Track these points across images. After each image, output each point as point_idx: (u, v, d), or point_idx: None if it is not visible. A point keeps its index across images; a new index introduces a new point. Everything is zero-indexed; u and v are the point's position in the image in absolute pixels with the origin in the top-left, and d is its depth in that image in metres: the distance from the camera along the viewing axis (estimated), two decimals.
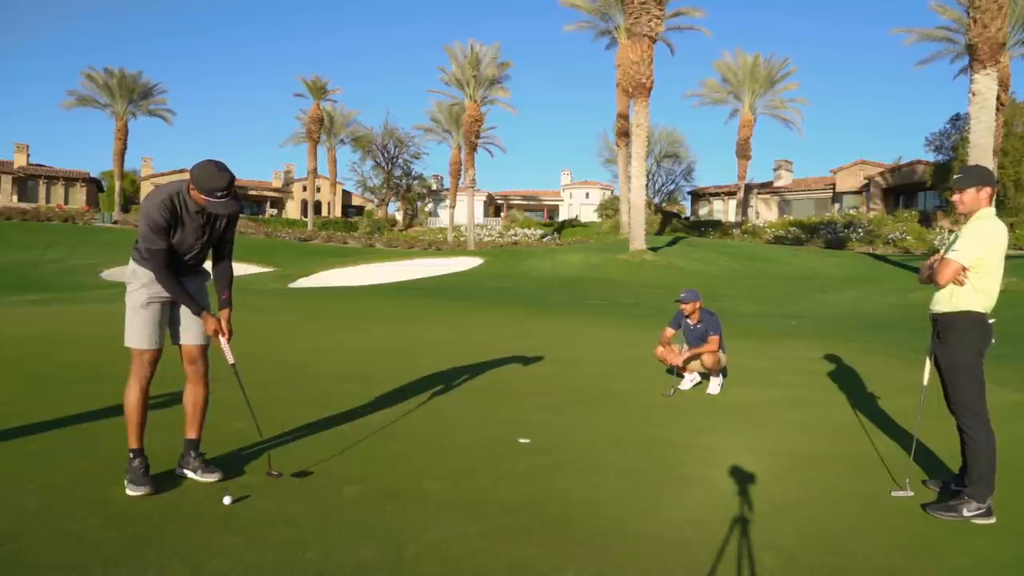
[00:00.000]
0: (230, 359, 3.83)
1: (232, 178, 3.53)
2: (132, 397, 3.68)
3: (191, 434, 3.88)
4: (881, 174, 48.78)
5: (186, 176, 3.58)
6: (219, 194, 3.47)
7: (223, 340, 3.77)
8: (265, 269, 31.27)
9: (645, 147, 30.16)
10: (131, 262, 3.75)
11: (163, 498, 3.54)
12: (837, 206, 50.79)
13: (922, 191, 46.35)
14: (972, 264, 3.68)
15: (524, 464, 4.36)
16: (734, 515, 3.60)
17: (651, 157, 56.19)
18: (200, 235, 3.70)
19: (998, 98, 23.28)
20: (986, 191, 3.77)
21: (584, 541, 3.22)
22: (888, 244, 38.58)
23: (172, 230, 3.60)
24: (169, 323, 3.82)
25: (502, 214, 71.33)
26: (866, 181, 49.68)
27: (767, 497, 3.89)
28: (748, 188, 51.37)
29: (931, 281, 3.85)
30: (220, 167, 3.51)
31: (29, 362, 7.31)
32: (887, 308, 17.58)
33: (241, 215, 4.00)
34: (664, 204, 63.91)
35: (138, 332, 3.69)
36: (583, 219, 62.97)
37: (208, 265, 3.96)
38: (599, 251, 31.70)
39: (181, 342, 3.85)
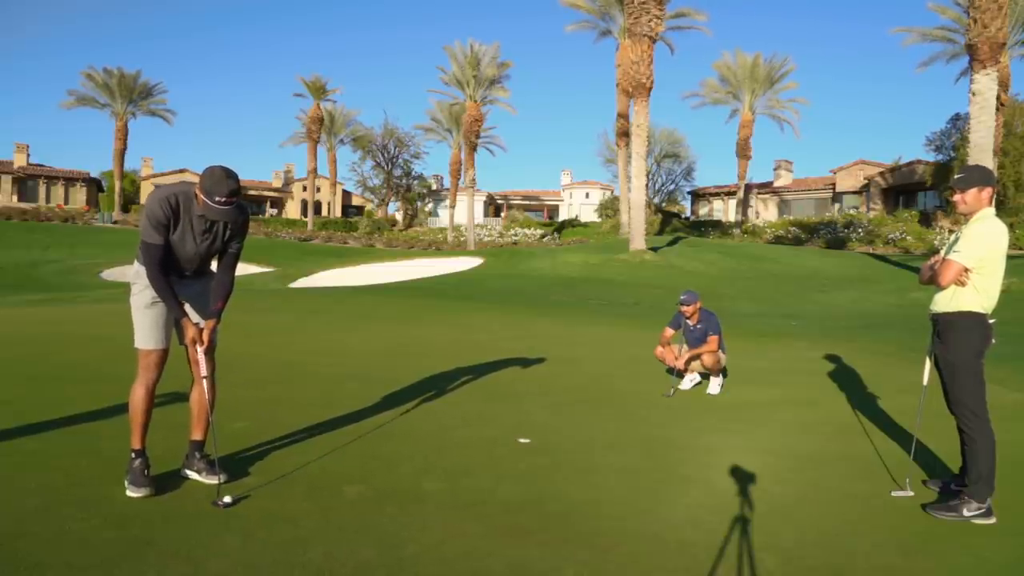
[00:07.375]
0: (203, 371, 3.74)
1: (236, 189, 3.49)
2: (137, 397, 3.68)
3: (196, 435, 3.88)
4: (881, 174, 48.74)
5: (188, 177, 3.57)
6: (218, 199, 3.43)
7: (200, 350, 3.70)
8: (265, 269, 31.23)
9: (645, 147, 30.16)
10: (135, 262, 3.73)
11: (163, 498, 3.53)
12: (837, 206, 50.74)
13: (922, 191, 46.28)
14: (974, 265, 3.69)
15: (524, 464, 4.37)
16: (734, 515, 3.60)
17: (651, 157, 56.16)
18: (202, 240, 3.68)
19: (998, 98, 23.28)
20: (988, 191, 3.78)
21: (584, 541, 3.22)
22: (888, 244, 38.54)
23: (172, 228, 3.58)
24: (175, 323, 3.81)
25: (502, 214, 71.29)
26: (866, 181, 49.65)
27: (767, 497, 3.89)
28: (748, 188, 51.33)
29: (932, 282, 3.85)
30: (228, 174, 3.48)
31: (29, 362, 7.30)
32: (887, 308, 17.57)
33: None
34: (664, 204, 63.87)
35: (144, 332, 3.68)
36: (583, 219, 62.91)
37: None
38: (599, 251, 31.69)
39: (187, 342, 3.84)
